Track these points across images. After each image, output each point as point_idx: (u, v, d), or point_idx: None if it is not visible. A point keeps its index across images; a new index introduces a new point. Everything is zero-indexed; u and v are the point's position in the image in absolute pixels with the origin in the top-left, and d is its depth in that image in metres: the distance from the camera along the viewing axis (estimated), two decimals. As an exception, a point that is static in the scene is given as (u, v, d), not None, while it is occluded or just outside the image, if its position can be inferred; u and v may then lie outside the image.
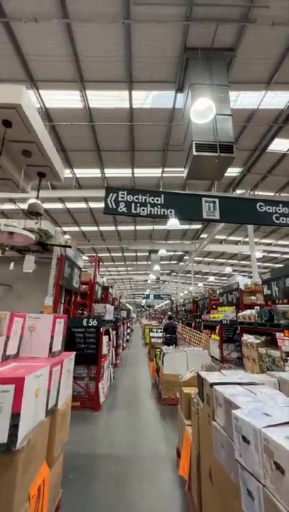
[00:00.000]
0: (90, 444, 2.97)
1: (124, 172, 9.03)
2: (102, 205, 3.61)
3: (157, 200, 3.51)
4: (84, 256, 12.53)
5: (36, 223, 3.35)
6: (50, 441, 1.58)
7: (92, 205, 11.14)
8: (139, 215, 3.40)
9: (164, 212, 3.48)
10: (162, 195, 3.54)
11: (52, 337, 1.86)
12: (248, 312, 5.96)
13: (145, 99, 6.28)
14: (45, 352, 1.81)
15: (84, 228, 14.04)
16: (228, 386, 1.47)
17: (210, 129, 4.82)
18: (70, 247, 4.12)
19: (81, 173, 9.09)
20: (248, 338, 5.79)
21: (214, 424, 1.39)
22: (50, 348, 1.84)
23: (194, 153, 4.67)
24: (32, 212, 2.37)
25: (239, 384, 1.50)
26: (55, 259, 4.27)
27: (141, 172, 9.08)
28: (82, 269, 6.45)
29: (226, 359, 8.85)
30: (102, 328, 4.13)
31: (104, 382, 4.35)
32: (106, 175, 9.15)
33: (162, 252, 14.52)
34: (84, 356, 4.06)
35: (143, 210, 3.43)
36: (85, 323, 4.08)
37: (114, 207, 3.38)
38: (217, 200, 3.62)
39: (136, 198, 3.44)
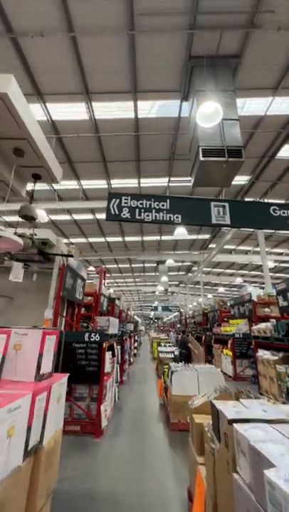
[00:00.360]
0: (87, 481, 2.60)
1: (131, 182, 8.99)
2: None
3: (163, 206, 3.29)
4: (90, 267, 12.40)
5: (29, 228, 3.18)
6: (32, 490, 1.28)
7: (99, 216, 11.13)
8: (144, 221, 3.19)
9: (170, 217, 3.25)
10: (168, 200, 3.33)
11: (40, 357, 1.60)
12: (263, 326, 5.53)
13: (150, 108, 6.27)
14: (32, 375, 1.55)
15: (91, 239, 14.02)
16: (253, 425, 1.16)
17: (217, 133, 4.68)
18: (72, 256, 3.93)
19: (88, 184, 9.13)
20: (263, 354, 5.33)
21: (236, 478, 1.07)
22: (38, 370, 1.58)
23: (201, 158, 4.51)
24: (26, 216, 2.20)
25: (267, 422, 1.19)
26: (56, 269, 4.09)
27: (147, 182, 9.02)
28: (88, 280, 6.24)
29: (240, 376, 8.23)
30: (104, 344, 3.83)
31: (107, 403, 3.98)
32: (112, 185, 9.14)
33: (170, 261, 14.22)
34: (85, 374, 3.74)
35: (148, 215, 3.21)
36: (86, 337, 3.79)
37: (116, 213, 3.18)
38: (227, 205, 3.37)
39: (140, 204, 3.24)
